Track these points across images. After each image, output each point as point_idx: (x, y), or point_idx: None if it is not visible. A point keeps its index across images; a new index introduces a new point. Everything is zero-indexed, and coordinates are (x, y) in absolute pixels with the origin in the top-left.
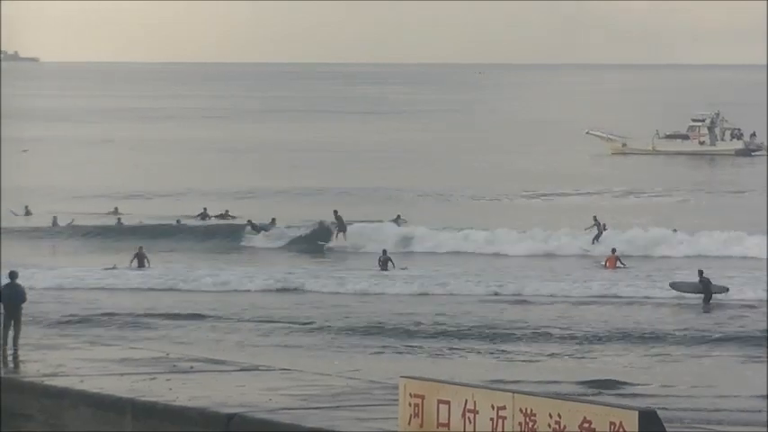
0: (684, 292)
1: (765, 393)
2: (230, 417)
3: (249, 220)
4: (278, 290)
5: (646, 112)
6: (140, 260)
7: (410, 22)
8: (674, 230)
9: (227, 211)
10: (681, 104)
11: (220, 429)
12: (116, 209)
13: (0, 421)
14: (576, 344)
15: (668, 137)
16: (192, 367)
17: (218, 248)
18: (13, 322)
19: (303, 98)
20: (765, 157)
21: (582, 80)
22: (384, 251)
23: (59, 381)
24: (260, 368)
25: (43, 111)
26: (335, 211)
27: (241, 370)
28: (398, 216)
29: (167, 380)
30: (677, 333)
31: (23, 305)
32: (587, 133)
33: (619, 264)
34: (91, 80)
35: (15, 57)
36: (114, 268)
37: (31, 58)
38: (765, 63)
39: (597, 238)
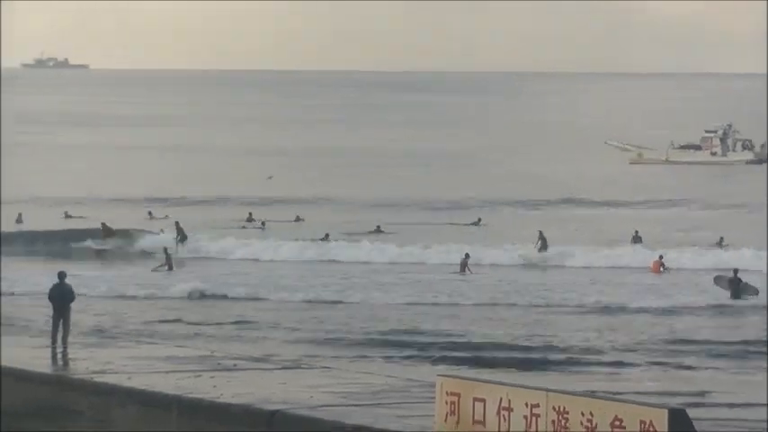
0: (723, 288)
1: (765, 402)
2: (273, 413)
3: (103, 223)
4: None
5: (680, 120)
6: None
7: (459, 30)
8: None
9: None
10: (716, 112)
11: (263, 426)
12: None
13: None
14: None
15: (682, 147)
16: (235, 365)
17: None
18: (62, 321)
19: (348, 105)
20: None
21: (621, 87)
22: None
23: (108, 378)
24: (302, 366)
25: (90, 117)
26: (177, 223)
27: (283, 368)
28: (378, 227)
29: (212, 377)
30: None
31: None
32: (606, 143)
33: (662, 269)
34: (138, 87)
35: (65, 64)
36: None
37: (81, 65)
38: None
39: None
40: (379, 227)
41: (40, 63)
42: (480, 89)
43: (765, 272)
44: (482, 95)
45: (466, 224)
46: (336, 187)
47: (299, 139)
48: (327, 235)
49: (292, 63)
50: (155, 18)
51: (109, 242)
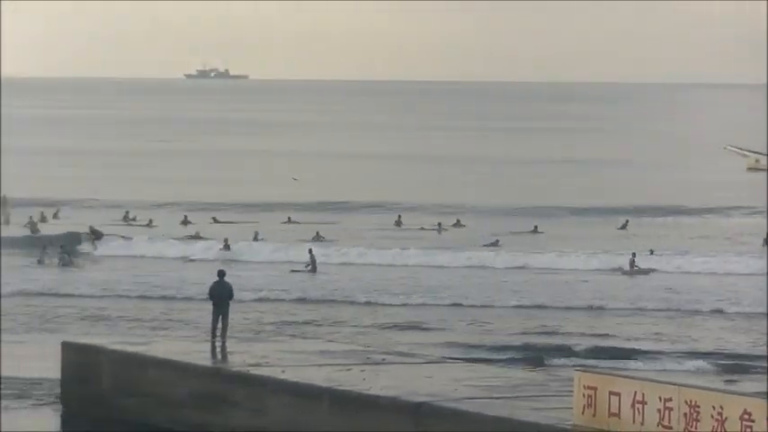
0: None
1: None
2: (419, 405)
3: (90, 226)
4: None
5: None
6: None
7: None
8: None
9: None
10: None
11: (410, 416)
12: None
13: None
14: None
15: None
16: (384, 359)
17: None
18: (221, 317)
19: (500, 115)
20: None
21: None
22: None
23: (263, 371)
24: (446, 361)
25: (248, 124)
26: (90, 226)
27: (428, 362)
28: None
29: (362, 370)
30: None
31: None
32: (725, 148)
33: None
34: (295, 95)
35: (226, 74)
36: None
37: (241, 75)
38: None
39: None
40: (536, 227)
41: (202, 74)
42: (613, 99)
43: None
44: (613, 105)
45: (618, 228)
46: (490, 193)
47: (456, 147)
48: (497, 241)
49: (429, 73)
50: (307, 30)
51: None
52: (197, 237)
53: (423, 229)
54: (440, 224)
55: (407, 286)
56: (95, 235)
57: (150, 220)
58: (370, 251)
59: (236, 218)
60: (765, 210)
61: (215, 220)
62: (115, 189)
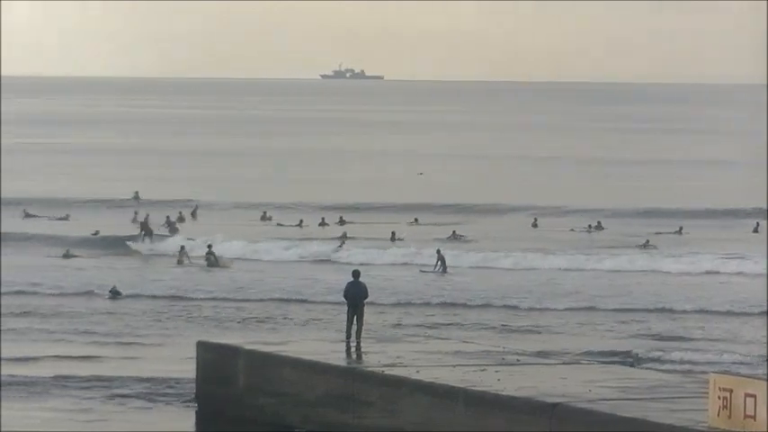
0: None
1: None
2: (554, 405)
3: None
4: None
5: None
6: None
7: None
8: None
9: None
10: None
11: (545, 417)
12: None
13: None
14: None
15: None
16: (518, 360)
17: None
18: (355, 317)
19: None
20: None
21: None
22: None
23: (398, 371)
24: (581, 362)
25: (386, 124)
26: (142, 222)
27: (563, 363)
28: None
29: (496, 371)
30: None
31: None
32: None
33: None
34: (431, 96)
35: (362, 75)
36: None
37: (377, 76)
38: None
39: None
40: (681, 228)
41: (338, 74)
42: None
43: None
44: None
45: (752, 231)
46: (626, 195)
47: (587, 149)
48: (648, 241)
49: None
50: (443, 30)
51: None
52: (344, 237)
53: (572, 230)
54: (590, 225)
55: (544, 289)
56: (146, 231)
57: (301, 221)
58: (505, 253)
59: (364, 218)
60: None
61: (342, 221)
62: (250, 189)
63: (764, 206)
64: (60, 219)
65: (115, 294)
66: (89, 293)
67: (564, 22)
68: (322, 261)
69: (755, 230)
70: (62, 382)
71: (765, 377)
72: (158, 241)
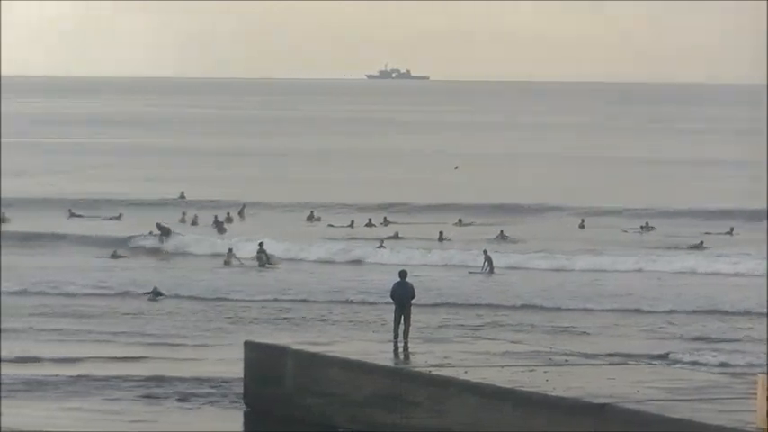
0: None
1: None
2: (602, 406)
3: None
4: None
5: None
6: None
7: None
8: None
9: None
10: None
11: (592, 418)
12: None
13: None
14: None
15: None
16: (566, 360)
17: None
18: (402, 317)
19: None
20: None
21: None
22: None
23: (445, 371)
24: (628, 363)
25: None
26: (158, 223)
27: (610, 364)
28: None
29: (544, 372)
30: None
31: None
32: None
33: None
34: (475, 96)
35: (407, 75)
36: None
37: (422, 76)
38: None
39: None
40: (732, 228)
41: (383, 74)
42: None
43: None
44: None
45: None
46: (671, 195)
47: (637, 149)
48: (702, 243)
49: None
50: (489, 31)
51: None
52: (396, 237)
53: (625, 231)
54: (647, 223)
55: (592, 290)
56: (163, 231)
57: (352, 221)
58: (552, 254)
59: (410, 219)
60: None
61: (386, 221)
62: (296, 189)
63: None
64: (112, 218)
65: (156, 295)
66: (129, 294)
67: (611, 22)
68: (368, 262)
69: None
70: (109, 382)
71: None
72: (198, 242)
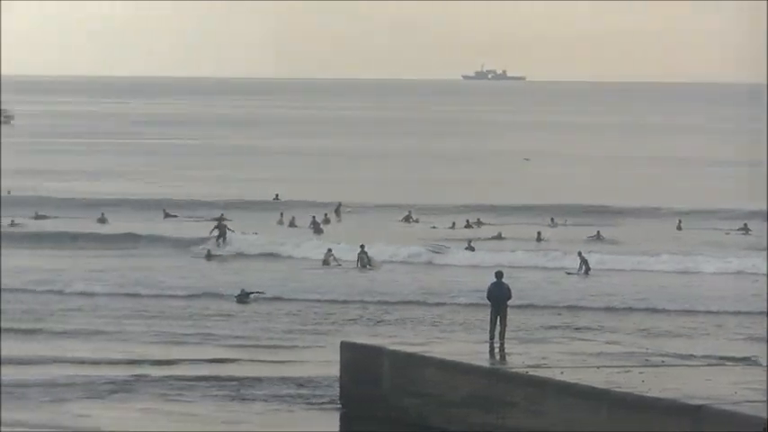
0: None
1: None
2: (698, 407)
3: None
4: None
5: None
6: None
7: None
8: None
9: None
10: None
11: (689, 419)
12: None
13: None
14: None
15: None
16: (663, 361)
17: None
18: (498, 318)
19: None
20: None
21: None
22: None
23: (542, 372)
24: (726, 364)
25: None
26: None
27: (707, 365)
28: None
29: (640, 372)
30: None
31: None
32: None
33: None
34: (571, 97)
35: (503, 76)
36: None
37: (518, 77)
38: None
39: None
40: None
41: (480, 75)
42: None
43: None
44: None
45: None
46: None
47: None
48: None
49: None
50: (585, 31)
51: None
52: (499, 237)
53: (727, 233)
54: (745, 225)
55: (690, 291)
56: (221, 231)
57: (453, 223)
58: (650, 256)
59: (492, 220)
60: None
61: (468, 223)
62: (391, 190)
63: None
64: (214, 219)
65: (245, 296)
66: (219, 296)
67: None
68: (463, 264)
69: None
70: (202, 383)
71: None
72: (297, 246)
